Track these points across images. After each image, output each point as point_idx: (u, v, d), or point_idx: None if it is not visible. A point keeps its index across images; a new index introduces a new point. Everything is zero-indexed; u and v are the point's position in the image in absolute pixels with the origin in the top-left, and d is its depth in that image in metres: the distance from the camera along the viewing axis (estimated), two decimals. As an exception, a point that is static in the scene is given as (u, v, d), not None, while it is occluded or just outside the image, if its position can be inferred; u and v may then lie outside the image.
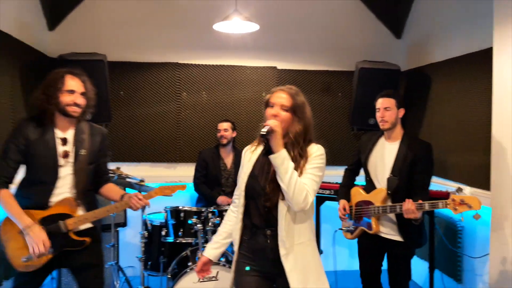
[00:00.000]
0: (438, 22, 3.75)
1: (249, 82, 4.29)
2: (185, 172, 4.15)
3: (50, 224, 2.21)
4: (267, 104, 1.93)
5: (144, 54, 4.15)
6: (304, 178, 1.84)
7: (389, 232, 2.64)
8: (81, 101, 2.25)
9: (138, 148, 4.17)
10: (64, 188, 2.25)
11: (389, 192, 2.59)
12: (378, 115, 2.70)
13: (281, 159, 1.78)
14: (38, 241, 2.12)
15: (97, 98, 3.76)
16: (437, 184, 3.49)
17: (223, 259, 2.98)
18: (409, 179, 2.58)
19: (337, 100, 4.39)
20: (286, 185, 1.78)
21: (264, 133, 1.77)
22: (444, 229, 3.50)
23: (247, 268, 1.95)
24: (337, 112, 4.40)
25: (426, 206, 2.40)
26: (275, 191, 1.85)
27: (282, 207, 1.86)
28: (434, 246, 3.29)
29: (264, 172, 1.93)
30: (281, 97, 1.89)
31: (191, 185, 3.84)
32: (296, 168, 1.83)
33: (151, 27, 4.16)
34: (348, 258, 4.23)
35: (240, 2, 3.48)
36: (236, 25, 3.44)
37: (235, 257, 2.01)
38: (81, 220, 2.27)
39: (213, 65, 4.25)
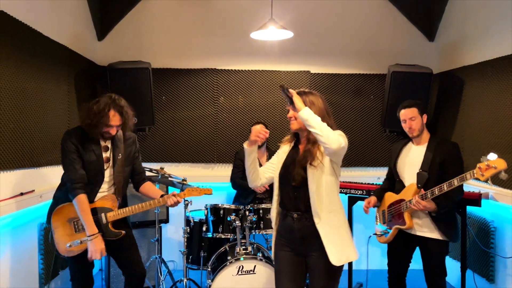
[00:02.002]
0: (471, 24, 3.77)
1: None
2: (222, 172, 4.37)
3: (94, 215, 2.58)
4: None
5: (185, 61, 4.40)
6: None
7: (423, 229, 2.74)
8: (115, 131, 2.61)
9: (179, 149, 4.42)
10: (105, 187, 2.65)
11: (419, 185, 2.71)
12: (404, 125, 2.86)
13: (307, 114, 2.06)
14: (97, 250, 2.51)
15: (142, 103, 4.11)
16: (470, 185, 3.53)
17: (259, 254, 3.16)
18: (438, 177, 2.68)
19: (369, 102, 4.48)
20: (319, 129, 2.04)
21: (285, 91, 2.10)
22: (476, 230, 3.53)
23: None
24: (369, 115, 4.49)
25: (429, 194, 2.57)
26: (300, 172, 2.17)
27: (311, 184, 2.15)
28: (466, 246, 3.33)
29: (292, 161, 2.26)
30: (303, 99, 2.19)
31: (228, 185, 4.05)
32: (316, 159, 2.15)
33: (191, 36, 4.40)
34: (380, 258, 4.31)
35: (275, 11, 3.66)
36: (272, 33, 3.61)
37: (274, 234, 2.37)
38: (120, 213, 2.66)
39: (249, 70, 4.45)
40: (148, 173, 3.67)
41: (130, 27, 4.35)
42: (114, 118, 2.56)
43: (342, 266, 2.18)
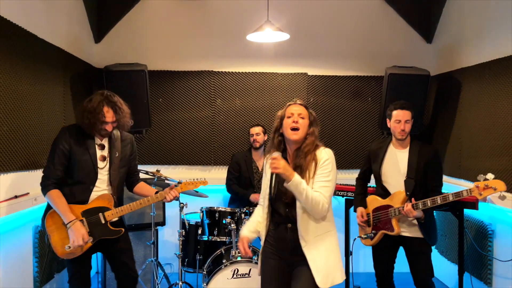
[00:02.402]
0: (469, 26, 3.76)
1: (280, 88, 4.45)
2: (219, 174, 4.35)
3: (91, 216, 2.59)
4: (282, 118, 2.23)
5: (182, 63, 4.40)
6: (317, 186, 2.11)
7: (406, 230, 2.81)
8: (110, 127, 2.63)
9: (176, 151, 4.41)
10: (101, 186, 2.64)
11: (407, 193, 2.76)
12: (397, 126, 2.84)
13: (294, 185, 2.04)
14: (78, 235, 2.48)
15: (138, 105, 4.10)
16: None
17: (255, 258, 3.14)
18: (423, 181, 2.78)
19: (367, 105, 4.47)
20: (304, 203, 2.08)
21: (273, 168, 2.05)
22: (474, 233, 3.51)
23: None
24: (367, 117, 4.48)
25: (420, 205, 2.66)
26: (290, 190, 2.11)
27: (299, 207, 2.13)
28: (463, 249, 3.31)
29: (282, 178, 2.15)
30: (296, 109, 2.21)
31: (223, 188, 4.04)
32: (307, 172, 2.12)
33: (188, 38, 4.40)
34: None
35: (271, 13, 3.65)
36: (268, 35, 3.61)
37: (262, 245, 2.32)
38: (118, 212, 2.65)
39: (245, 72, 4.44)
40: (144, 176, 3.67)
41: (127, 29, 4.35)
42: (108, 115, 2.57)
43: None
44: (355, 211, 3.07)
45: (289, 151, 2.25)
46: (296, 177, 2.05)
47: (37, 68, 3.11)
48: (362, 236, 2.98)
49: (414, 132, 3.90)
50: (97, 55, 4.30)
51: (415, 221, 2.78)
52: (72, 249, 2.50)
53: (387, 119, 2.95)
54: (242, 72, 4.44)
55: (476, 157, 3.50)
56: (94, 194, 2.62)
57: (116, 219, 2.69)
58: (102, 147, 2.67)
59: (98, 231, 2.59)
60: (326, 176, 2.12)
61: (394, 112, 2.87)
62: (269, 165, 2.20)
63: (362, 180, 3.12)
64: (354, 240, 3.07)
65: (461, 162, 3.74)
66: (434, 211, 3.54)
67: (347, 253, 3.95)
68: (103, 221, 2.61)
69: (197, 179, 2.94)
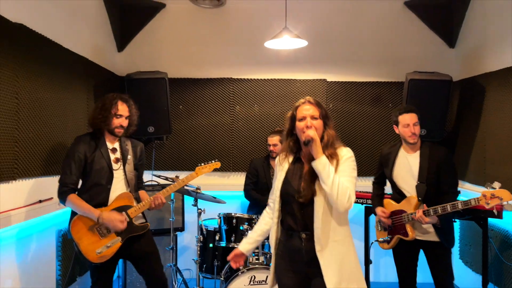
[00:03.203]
0: (493, 30, 3.67)
1: (299, 94, 4.44)
2: (238, 180, 4.37)
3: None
4: (293, 119, 2.08)
5: (201, 71, 4.46)
6: (342, 179, 1.93)
7: (424, 234, 2.79)
8: (125, 123, 2.75)
9: (195, 158, 4.46)
10: (118, 186, 2.73)
11: (419, 198, 2.73)
12: (406, 130, 2.82)
13: (323, 164, 1.91)
14: (114, 220, 2.58)
15: (159, 112, 4.19)
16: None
17: (272, 265, 3.13)
18: (436, 186, 2.74)
19: (387, 111, 4.40)
20: (330, 187, 1.88)
21: (306, 142, 1.95)
22: (498, 243, 3.39)
23: None
24: (388, 123, 4.40)
25: (431, 211, 2.61)
26: (308, 188, 1.98)
27: (318, 205, 1.96)
28: (487, 259, 3.20)
29: (296, 176, 2.07)
30: (308, 109, 2.05)
31: (241, 194, 4.05)
32: None
33: (207, 46, 4.46)
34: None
35: (289, 20, 3.66)
36: (286, 42, 3.61)
37: (272, 258, 2.16)
38: (140, 207, 2.74)
39: (264, 79, 4.46)
40: (163, 182, 3.74)
41: (149, 38, 4.45)
42: (122, 108, 2.72)
43: None
44: (374, 211, 3.04)
45: (304, 153, 2.09)
46: (325, 157, 1.91)
47: (61, 76, 3.21)
48: (380, 239, 2.98)
49: (436, 139, 3.85)
50: (120, 64, 4.41)
51: (430, 226, 2.74)
52: (104, 252, 2.57)
53: (394, 125, 2.93)
54: (261, 79, 4.46)
55: (501, 164, 3.39)
56: (113, 195, 2.69)
57: (139, 222, 2.76)
58: (114, 150, 2.77)
59: (125, 229, 2.66)
60: (350, 172, 1.98)
61: (401, 117, 2.84)
62: (279, 160, 2.15)
63: (378, 184, 3.11)
64: (371, 244, 3.07)
65: (486, 169, 3.63)
66: (457, 220, 3.46)
67: (367, 261, 3.90)
68: (127, 219, 2.68)
69: (212, 161, 3.15)
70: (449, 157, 2.81)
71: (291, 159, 2.14)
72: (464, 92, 4.12)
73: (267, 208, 2.30)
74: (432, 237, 2.76)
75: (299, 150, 2.13)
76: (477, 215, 3.12)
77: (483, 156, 3.68)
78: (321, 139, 2.01)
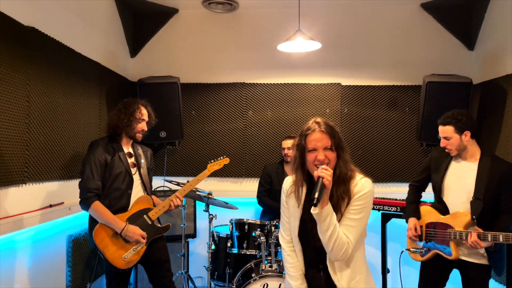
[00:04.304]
0: (514, 31, 3.54)
1: (313, 99, 4.36)
2: (251, 186, 4.29)
3: (136, 220, 2.66)
4: (302, 150, 1.80)
5: (214, 76, 4.43)
6: (344, 225, 1.76)
7: (470, 254, 2.50)
8: (146, 128, 2.79)
9: (207, 163, 4.39)
10: (137, 191, 2.73)
11: (473, 217, 2.43)
12: (441, 142, 2.62)
13: (324, 216, 1.70)
14: (137, 236, 2.59)
15: (170, 117, 4.16)
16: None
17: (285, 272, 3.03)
18: (494, 205, 2.44)
19: (404, 115, 4.29)
20: (326, 241, 1.73)
21: (315, 200, 1.63)
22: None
23: None
24: (405, 128, 4.29)
25: (490, 237, 2.29)
26: None
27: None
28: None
29: (312, 217, 1.77)
30: (319, 139, 1.75)
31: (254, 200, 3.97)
32: (339, 208, 1.76)
33: (220, 51, 4.43)
34: (417, 279, 4.04)
35: (302, 22, 3.61)
36: (299, 44, 3.55)
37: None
38: (160, 209, 2.74)
39: (277, 83, 4.40)
40: (175, 187, 3.69)
41: (161, 43, 4.45)
42: (144, 112, 2.77)
43: None
44: (406, 221, 2.75)
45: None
46: (329, 207, 1.71)
47: (73, 81, 3.21)
48: (411, 249, 2.69)
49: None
50: (132, 69, 4.41)
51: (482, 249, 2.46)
52: (130, 257, 2.57)
53: None
54: (274, 84, 4.40)
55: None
56: (133, 199, 2.69)
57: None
58: (130, 155, 2.78)
59: (149, 232, 2.66)
60: (356, 213, 1.76)
61: (439, 128, 2.64)
62: (290, 192, 1.90)
63: (417, 187, 2.79)
64: (402, 252, 2.79)
65: (509, 175, 3.48)
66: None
67: (384, 270, 3.76)
68: (149, 222, 2.69)
69: (220, 157, 3.20)
70: None
71: (304, 192, 1.88)
72: (484, 95, 3.98)
73: (286, 244, 1.98)
74: (480, 259, 2.47)
75: (312, 182, 1.86)
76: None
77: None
78: (333, 172, 1.75)
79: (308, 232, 1.84)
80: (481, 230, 2.38)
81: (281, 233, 2.01)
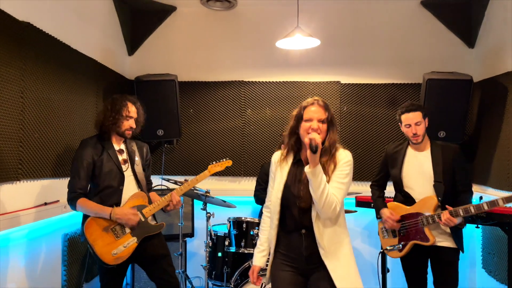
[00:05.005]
0: (515, 28, 3.51)
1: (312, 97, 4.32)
2: (249, 185, 4.25)
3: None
4: (299, 119, 2.06)
5: (212, 74, 4.39)
6: (332, 187, 1.97)
7: (441, 239, 2.62)
8: (134, 125, 2.71)
9: (205, 162, 4.33)
10: (130, 187, 2.66)
11: (439, 198, 2.57)
12: (407, 130, 2.71)
13: (317, 174, 1.90)
14: (127, 216, 2.52)
15: (168, 115, 4.13)
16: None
17: (269, 262, 2.99)
18: (452, 186, 2.61)
19: (404, 113, 4.25)
20: (318, 197, 1.91)
21: (314, 149, 1.87)
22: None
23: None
24: (404, 126, 4.25)
25: (461, 211, 2.44)
26: (309, 194, 1.98)
27: (315, 212, 2.00)
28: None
29: (296, 180, 2.06)
30: (316, 111, 2.02)
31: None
32: (325, 174, 1.96)
33: (218, 48, 4.40)
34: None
35: (301, 18, 3.57)
36: (298, 41, 3.52)
37: (271, 255, 2.15)
38: (155, 206, 2.67)
39: (276, 82, 4.36)
40: (173, 186, 3.65)
41: (159, 42, 4.41)
42: (132, 109, 2.69)
43: None
44: (378, 215, 2.83)
45: (305, 152, 2.08)
46: (320, 167, 1.92)
47: (70, 78, 3.17)
48: (388, 247, 2.76)
49: (456, 142, 3.67)
50: (130, 67, 4.37)
51: (447, 229, 2.58)
52: (120, 253, 2.50)
53: (399, 123, 2.80)
54: (272, 82, 4.37)
55: (526, 168, 3.20)
56: (125, 196, 2.63)
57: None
58: (121, 152, 2.72)
59: (141, 229, 2.59)
60: (342, 178, 2.00)
61: (403, 117, 2.72)
62: (278, 161, 2.14)
63: (378, 186, 2.92)
64: (380, 253, 2.88)
65: (510, 174, 3.44)
66: (480, 226, 3.27)
67: (384, 270, 3.71)
68: (142, 219, 2.62)
69: (223, 159, 3.11)
70: (462, 155, 2.69)
71: (290, 160, 2.13)
72: (485, 93, 3.94)
73: (265, 212, 2.27)
74: (446, 242, 2.59)
75: (299, 150, 2.12)
76: (502, 220, 2.92)
77: (507, 160, 3.49)
78: (322, 143, 2.00)
79: (293, 195, 2.04)
80: (451, 208, 2.50)
81: (267, 203, 2.24)
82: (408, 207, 2.70)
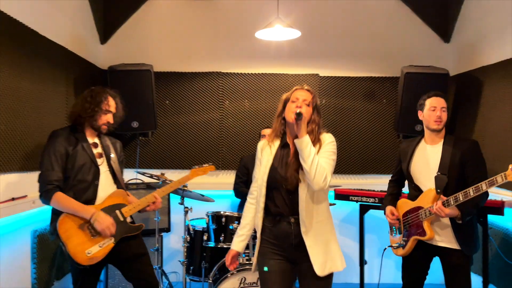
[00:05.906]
0: (489, 23, 3.57)
1: (290, 89, 4.28)
2: (227, 179, 4.18)
3: (108, 215, 2.43)
4: (286, 101, 2.14)
5: (189, 64, 4.27)
6: (321, 160, 2.03)
7: (444, 239, 2.49)
8: (112, 120, 2.58)
9: (182, 155, 4.27)
10: (105, 182, 2.53)
11: (438, 190, 2.45)
12: (432, 114, 2.57)
13: (306, 143, 1.98)
14: (107, 224, 2.37)
15: (143, 106, 3.99)
16: (492, 193, 3.27)
17: (256, 250, 2.96)
18: (459, 180, 2.46)
19: (381, 106, 4.28)
20: (309, 166, 1.96)
21: (297, 115, 1.99)
22: (499, 241, 3.27)
23: (265, 268, 2.11)
24: (382, 119, 4.28)
25: (452, 201, 2.33)
26: (295, 175, 2.05)
27: (302, 191, 2.05)
28: (488, 259, 3.08)
29: (283, 162, 2.12)
30: (302, 94, 2.12)
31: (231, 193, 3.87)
32: None
33: (195, 38, 4.28)
34: (394, 271, 4.05)
35: (281, 10, 3.52)
36: (278, 32, 3.46)
37: (258, 242, 2.16)
38: (135, 206, 2.55)
39: (255, 73, 4.30)
40: (148, 180, 3.54)
41: (134, 30, 4.25)
42: (112, 104, 2.57)
43: (331, 275, 2.09)
44: (384, 211, 2.76)
45: (290, 136, 2.16)
46: (308, 137, 2.00)
47: (39, 66, 3.00)
48: (394, 245, 2.68)
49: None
50: (103, 56, 4.20)
51: (449, 227, 2.46)
52: (95, 253, 2.36)
53: (419, 111, 2.67)
54: (251, 73, 4.30)
55: (500, 160, 3.27)
56: (101, 191, 2.49)
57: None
58: (95, 145, 2.59)
59: (118, 229, 2.45)
60: (330, 154, 2.08)
61: (428, 101, 2.61)
62: (263, 145, 2.19)
63: (394, 182, 2.83)
64: (385, 250, 2.76)
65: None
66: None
67: (362, 262, 3.74)
68: (121, 218, 2.49)
69: (205, 164, 3.09)
70: (477, 149, 2.52)
71: (277, 143, 2.19)
72: (460, 87, 4.02)
73: (249, 198, 2.28)
74: (450, 243, 2.46)
75: (285, 134, 2.18)
76: (477, 212, 2.97)
77: (482, 151, 3.57)
78: (307, 124, 2.08)
79: (280, 176, 2.09)
80: (445, 198, 2.39)
81: (251, 189, 2.27)
82: (411, 202, 2.62)
